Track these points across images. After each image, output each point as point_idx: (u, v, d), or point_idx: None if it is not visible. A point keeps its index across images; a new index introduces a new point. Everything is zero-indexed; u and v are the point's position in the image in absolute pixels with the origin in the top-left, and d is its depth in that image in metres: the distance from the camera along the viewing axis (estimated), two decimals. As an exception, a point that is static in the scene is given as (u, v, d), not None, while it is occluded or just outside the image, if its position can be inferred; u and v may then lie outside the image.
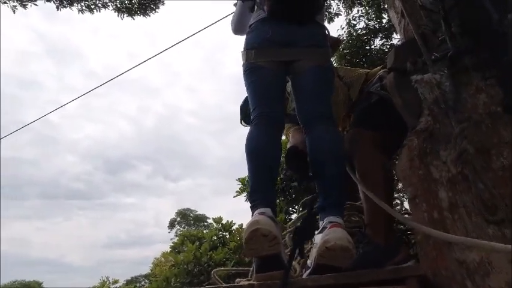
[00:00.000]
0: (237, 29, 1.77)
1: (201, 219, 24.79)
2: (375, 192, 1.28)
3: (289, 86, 1.63)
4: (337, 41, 1.91)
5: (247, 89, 1.48)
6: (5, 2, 5.15)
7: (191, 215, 26.41)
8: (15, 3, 5.19)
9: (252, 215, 1.15)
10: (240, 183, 8.37)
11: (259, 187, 1.22)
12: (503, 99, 1.05)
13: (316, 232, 1.21)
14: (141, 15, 5.99)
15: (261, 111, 1.39)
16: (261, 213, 1.11)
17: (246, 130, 1.41)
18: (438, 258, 1.03)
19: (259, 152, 1.28)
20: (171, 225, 26.27)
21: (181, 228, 23.69)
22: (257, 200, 1.18)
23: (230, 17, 1.83)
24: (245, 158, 1.29)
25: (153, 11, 6.01)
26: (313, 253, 1.15)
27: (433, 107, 1.27)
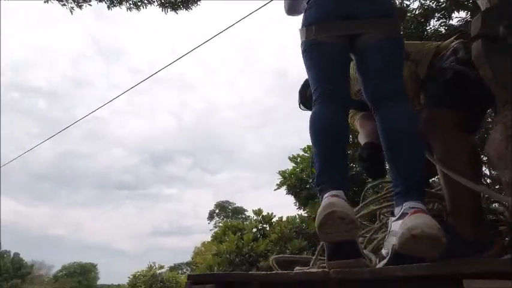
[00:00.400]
0: (291, 9, 1.66)
1: (239, 211, 25.18)
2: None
3: (351, 68, 1.50)
4: (402, 11, 1.72)
5: (308, 69, 1.38)
6: (64, 4, 5.47)
7: (229, 207, 26.94)
8: (73, 5, 5.50)
9: (322, 199, 1.06)
10: (281, 176, 8.27)
11: (328, 167, 1.12)
12: None
13: (392, 219, 1.09)
14: (184, 9, 6.08)
15: (323, 89, 1.28)
16: (334, 196, 1.01)
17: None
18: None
19: (328, 128, 1.18)
20: (210, 216, 27.03)
21: (220, 220, 24.28)
22: (327, 182, 1.08)
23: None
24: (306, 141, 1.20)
25: (195, 4, 6.07)
26: (391, 241, 1.04)
27: (534, 77, 1.08)
